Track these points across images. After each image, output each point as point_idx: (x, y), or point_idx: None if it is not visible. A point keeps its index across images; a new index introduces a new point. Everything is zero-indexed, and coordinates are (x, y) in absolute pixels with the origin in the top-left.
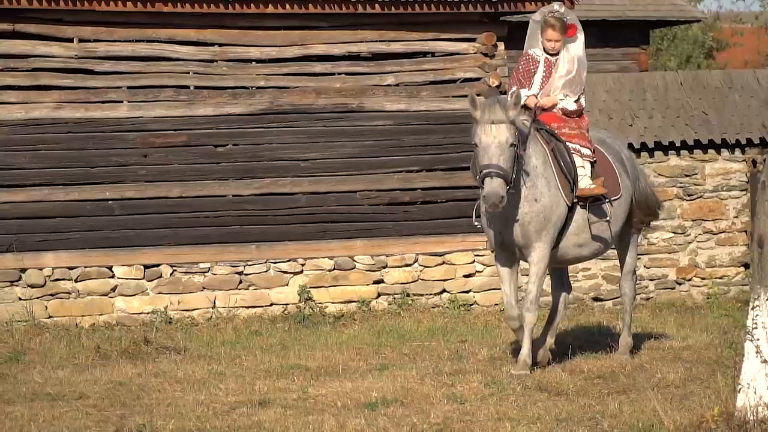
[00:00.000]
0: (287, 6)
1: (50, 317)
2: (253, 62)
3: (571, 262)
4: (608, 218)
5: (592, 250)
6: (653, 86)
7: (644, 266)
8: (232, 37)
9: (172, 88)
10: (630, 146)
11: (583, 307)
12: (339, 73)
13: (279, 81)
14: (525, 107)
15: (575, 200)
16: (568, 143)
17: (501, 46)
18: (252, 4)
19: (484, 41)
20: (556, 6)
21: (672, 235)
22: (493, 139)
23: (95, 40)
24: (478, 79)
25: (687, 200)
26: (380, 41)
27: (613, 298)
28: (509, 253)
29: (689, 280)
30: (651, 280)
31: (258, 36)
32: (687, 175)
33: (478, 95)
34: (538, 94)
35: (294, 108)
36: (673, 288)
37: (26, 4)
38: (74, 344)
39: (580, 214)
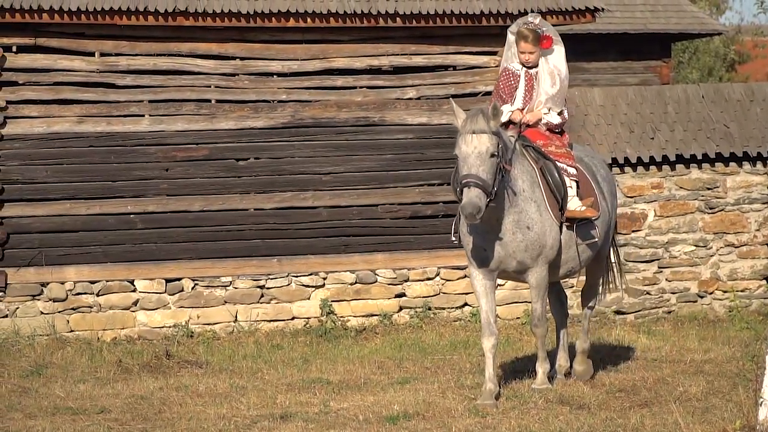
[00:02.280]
0: (309, 20)
1: (72, 331)
2: (275, 76)
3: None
4: (596, 240)
5: (567, 270)
6: (675, 99)
7: (666, 279)
8: (253, 51)
9: (193, 102)
10: (651, 159)
11: (605, 320)
12: (360, 87)
13: (300, 94)
14: (511, 122)
15: (562, 221)
16: (557, 162)
17: None
18: (273, 18)
19: None
20: (530, 18)
21: (694, 248)
22: (473, 149)
23: (117, 54)
24: None
25: (708, 213)
26: (402, 55)
27: (636, 311)
28: (488, 270)
29: (711, 293)
30: (673, 293)
31: (279, 50)
32: (708, 188)
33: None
34: (523, 108)
35: (315, 121)
36: (695, 301)
37: (48, 18)
38: (96, 358)
39: (564, 234)
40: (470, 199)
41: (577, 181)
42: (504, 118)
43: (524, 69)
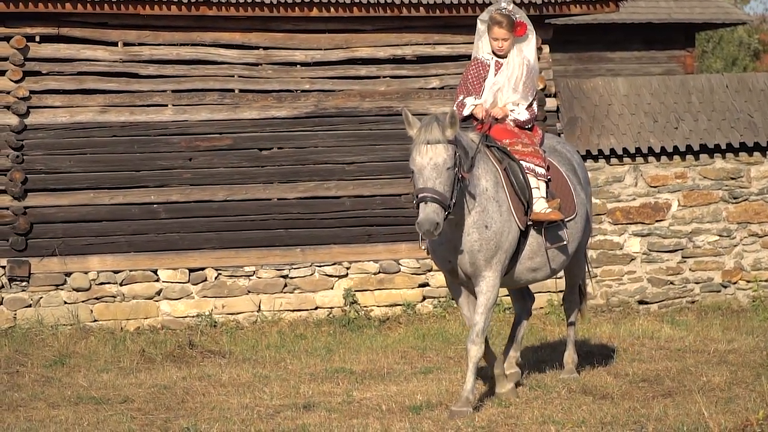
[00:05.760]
0: (332, 9)
1: (95, 321)
2: (298, 65)
3: (525, 284)
4: (565, 242)
5: (546, 273)
6: (698, 89)
7: (689, 269)
8: (276, 41)
9: (216, 92)
10: (675, 149)
11: (628, 310)
12: (384, 77)
13: (324, 84)
14: (473, 117)
15: (529, 223)
16: (521, 162)
17: (546, 49)
18: (297, 8)
19: None
20: (503, 3)
21: (717, 237)
22: (428, 161)
23: (140, 44)
24: None
25: (732, 203)
26: (425, 44)
27: (659, 301)
28: (456, 276)
29: (735, 283)
30: (696, 283)
31: (303, 39)
32: (732, 178)
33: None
34: (491, 101)
35: (339, 111)
36: (719, 291)
37: (71, 8)
38: (119, 348)
39: (534, 237)
40: (427, 216)
41: (547, 181)
42: (466, 112)
43: (494, 58)
